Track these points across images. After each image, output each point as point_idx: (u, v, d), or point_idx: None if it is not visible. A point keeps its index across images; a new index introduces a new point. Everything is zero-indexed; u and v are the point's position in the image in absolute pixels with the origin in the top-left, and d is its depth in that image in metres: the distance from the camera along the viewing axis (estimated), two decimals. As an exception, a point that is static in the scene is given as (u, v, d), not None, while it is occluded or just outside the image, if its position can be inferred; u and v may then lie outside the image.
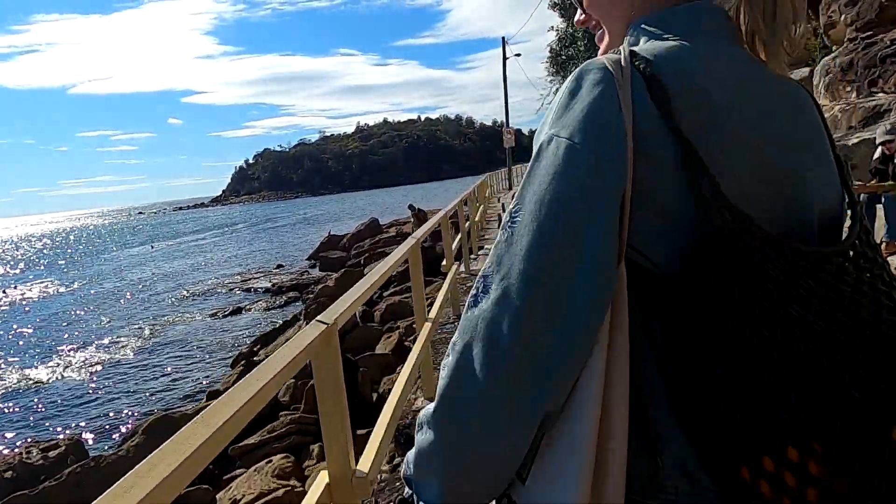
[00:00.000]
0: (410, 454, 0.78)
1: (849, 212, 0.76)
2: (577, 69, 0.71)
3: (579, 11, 0.90)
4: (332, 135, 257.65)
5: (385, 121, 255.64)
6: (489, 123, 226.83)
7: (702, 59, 0.70)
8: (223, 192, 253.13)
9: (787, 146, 0.72)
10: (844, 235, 0.73)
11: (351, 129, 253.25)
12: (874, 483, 0.60)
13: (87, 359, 17.25)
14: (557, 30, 30.30)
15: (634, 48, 0.72)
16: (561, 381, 0.67)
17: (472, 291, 0.69)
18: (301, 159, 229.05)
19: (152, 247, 57.93)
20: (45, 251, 79.42)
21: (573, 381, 0.67)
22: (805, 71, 11.79)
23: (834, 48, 11.29)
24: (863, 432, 0.61)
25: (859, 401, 0.61)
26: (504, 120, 37.07)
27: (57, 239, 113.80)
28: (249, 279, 29.27)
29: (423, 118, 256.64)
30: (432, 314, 4.97)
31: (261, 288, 26.21)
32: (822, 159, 0.77)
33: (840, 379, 0.62)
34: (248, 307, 22.17)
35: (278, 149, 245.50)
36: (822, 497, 0.60)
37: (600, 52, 0.85)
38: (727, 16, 0.76)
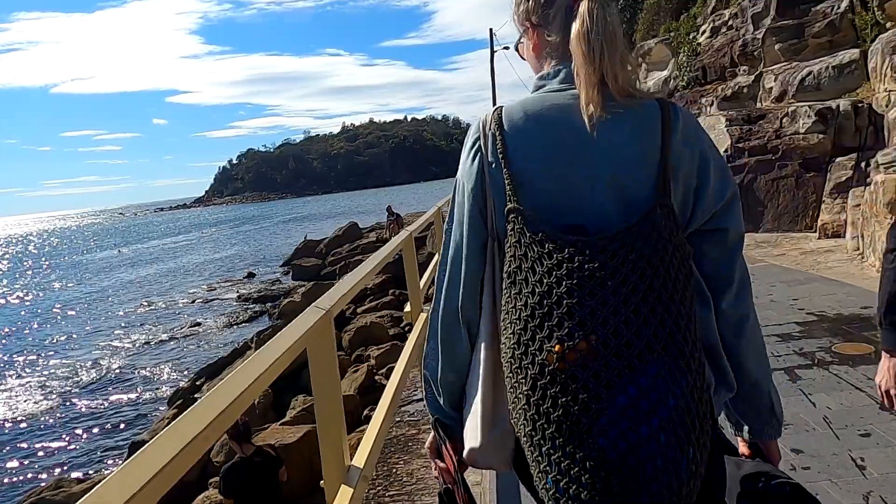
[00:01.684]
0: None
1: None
2: (471, 125, 1.19)
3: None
4: (317, 135, 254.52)
5: (371, 121, 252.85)
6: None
7: (537, 108, 1.11)
8: (206, 193, 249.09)
9: (583, 163, 1.06)
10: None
11: (337, 130, 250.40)
12: None
13: None
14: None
15: (503, 106, 1.15)
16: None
17: None
18: (285, 160, 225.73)
19: (119, 251, 55.25)
20: (10, 255, 76.17)
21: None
22: (853, 53, 9.85)
23: (889, 25, 9.37)
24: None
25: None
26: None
27: (29, 242, 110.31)
28: (216, 289, 27.00)
29: (409, 118, 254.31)
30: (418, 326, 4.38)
31: (226, 299, 23.97)
32: (632, 167, 1.06)
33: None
34: (207, 323, 19.89)
35: (262, 149, 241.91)
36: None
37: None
38: (571, 73, 1.11)
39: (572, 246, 0.97)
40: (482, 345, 1.12)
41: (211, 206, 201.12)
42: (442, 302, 1.15)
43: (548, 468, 0.95)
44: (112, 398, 13.38)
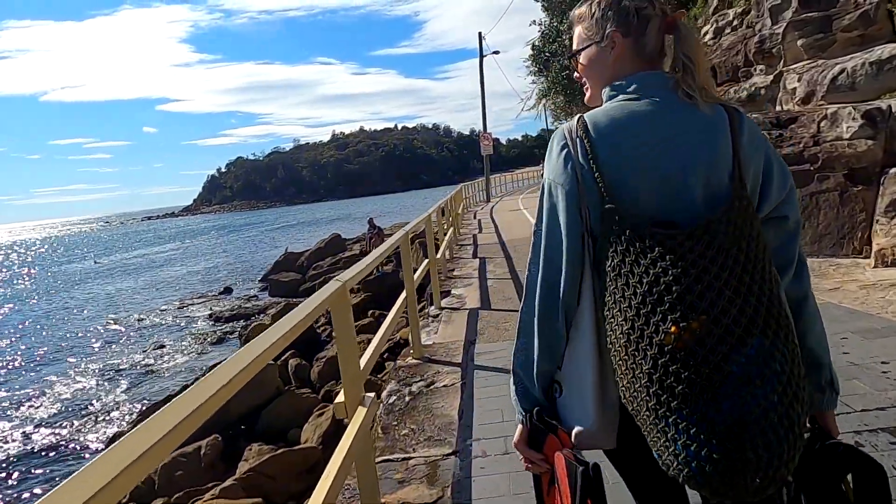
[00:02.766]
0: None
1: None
2: (555, 132, 1.29)
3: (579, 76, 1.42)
4: (307, 143, 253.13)
5: (361, 129, 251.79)
6: (467, 133, 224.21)
7: (621, 114, 1.22)
8: (194, 201, 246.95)
9: (675, 163, 1.18)
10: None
11: (328, 138, 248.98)
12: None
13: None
14: (541, 24, 27.03)
15: (585, 115, 1.24)
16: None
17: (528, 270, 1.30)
18: (275, 168, 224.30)
19: (95, 262, 53.40)
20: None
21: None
22: (893, 47, 8.53)
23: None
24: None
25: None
26: (481, 127, 33.68)
27: (12, 251, 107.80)
28: (189, 305, 25.43)
29: (400, 127, 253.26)
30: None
31: (197, 317, 22.42)
32: (712, 165, 1.19)
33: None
34: (171, 346, 18.33)
35: (252, 157, 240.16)
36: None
37: (586, 99, 1.41)
38: (664, 77, 1.26)
39: (671, 238, 1.10)
40: (587, 332, 1.23)
41: (199, 215, 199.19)
42: (539, 296, 1.26)
43: (676, 436, 1.04)
44: (41, 437, 11.82)
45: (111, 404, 13.37)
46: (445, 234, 11.55)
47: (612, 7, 1.30)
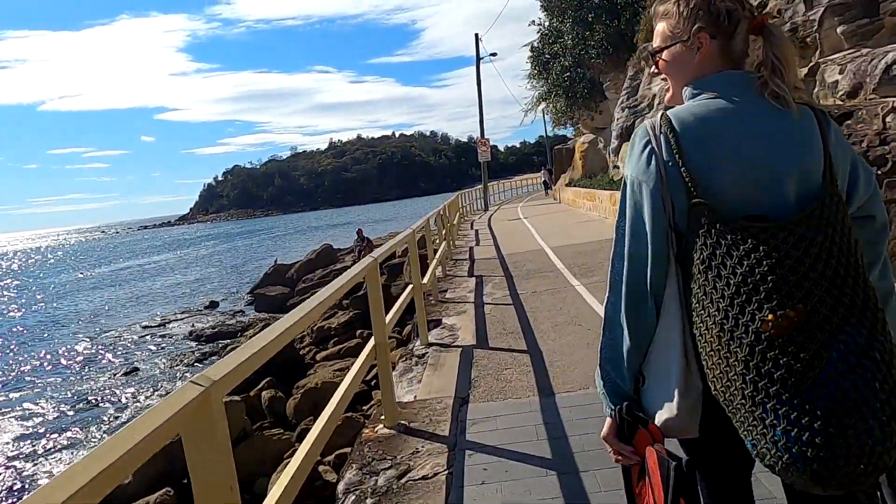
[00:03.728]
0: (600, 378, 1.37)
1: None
2: (636, 129, 1.31)
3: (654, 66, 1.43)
4: (304, 151, 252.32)
5: (359, 137, 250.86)
6: (465, 140, 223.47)
7: (707, 111, 1.24)
8: (191, 210, 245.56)
9: (769, 159, 1.20)
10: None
11: (325, 146, 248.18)
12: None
13: None
14: (540, 24, 25.83)
15: (668, 112, 1.26)
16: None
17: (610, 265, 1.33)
18: (271, 176, 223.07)
19: (81, 275, 51.94)
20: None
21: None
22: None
23: None
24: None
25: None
26: (479, 134, 32.44)
27: (3, 261, 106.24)
28: (170, 321, 24.08)
29: (397, 134, 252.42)
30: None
31: (177, 335, 21.07)
32: (804, 163, 1.21)
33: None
34: (143, 369, 16.98)
35: (248, 166, 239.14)
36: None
37: (666, 98, 1.42)
38: (748, 76, 1.27)
39: (764, 231, 1.12)
40: (673, 323, 1.25)
41: (195, 224, 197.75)
42: (626, 292, 1.28)
43: (775, 422, 1.04)
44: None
45: (61, 442, 12.02)
46: (438, 249, 10.26)
47: (702, 7, 1.30)
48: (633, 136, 1.29)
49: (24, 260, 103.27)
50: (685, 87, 1.32)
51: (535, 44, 26.70)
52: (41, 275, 60.48)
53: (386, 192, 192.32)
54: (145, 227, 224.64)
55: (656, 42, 1.38)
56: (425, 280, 6.53)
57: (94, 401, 14.58)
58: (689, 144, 1.20)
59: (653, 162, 1.22)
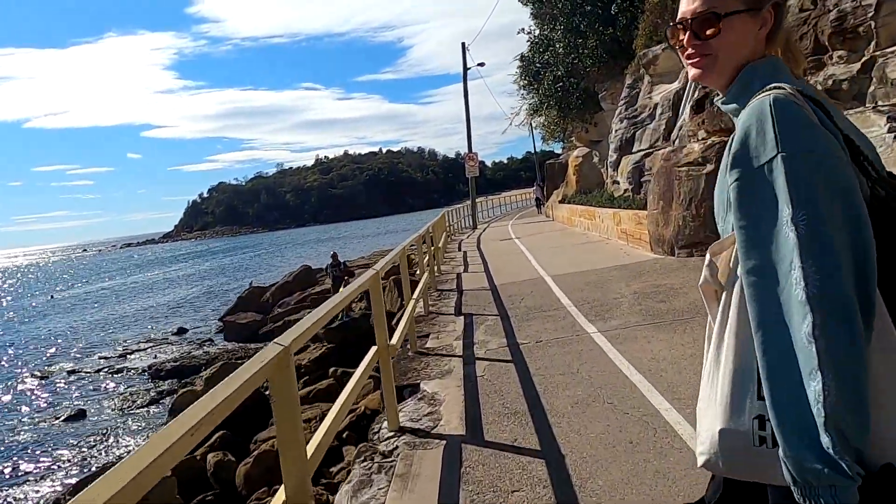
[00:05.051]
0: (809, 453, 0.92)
1: None
2: (765, 105, 1.04)
3: (688, 44, 1.22)
4: (291, 168, 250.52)
5: (346, 153, 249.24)
6: (452, 156, 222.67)
7: (807, 91, 1.08)
8: (175, 227, 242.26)
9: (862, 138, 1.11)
10: None
11: (311, 163, 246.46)
12: None
13: None
14: (529, 33, 24.37)
15: (785, 87, 1.06)
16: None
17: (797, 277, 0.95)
18: (257, 193, 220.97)
19: (52, 297, 49.64)
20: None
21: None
22: None
23: None
24: None
25: None
26: (466, 149, 30.88)
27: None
28: (133, 351, 22.13)
29: (384, 151, 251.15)
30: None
31: (134, 370, 19.15)
32: None
33: None
34: (91, 412, 15.08)
35: (234, 182, 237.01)
36: None
37: (694, 75, 1.24)
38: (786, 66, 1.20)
39: None
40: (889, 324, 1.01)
41: (179, 241, 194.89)
42: (847, 308, 0.94)
43: None
44: None
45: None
46: (419, 281, 8.56)
47: None
48: (768, 108, 1.04)
49: (1, 280, 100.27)
50: (750, 71, 1.18)
51: (525, 53, 25.26)
52: (9, 297, 57.95)
53: (374, 209, 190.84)
54: (129, 245, 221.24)
55: (715, 5, 1.17)
56: (394, 340, 4.85)
57: (21, 453, 12.66)
58: (837, 117, 1.08)
59: (822, 131, 1.02)
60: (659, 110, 16.93)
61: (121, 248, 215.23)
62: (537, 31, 24.07)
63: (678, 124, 15.19)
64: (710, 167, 9.56)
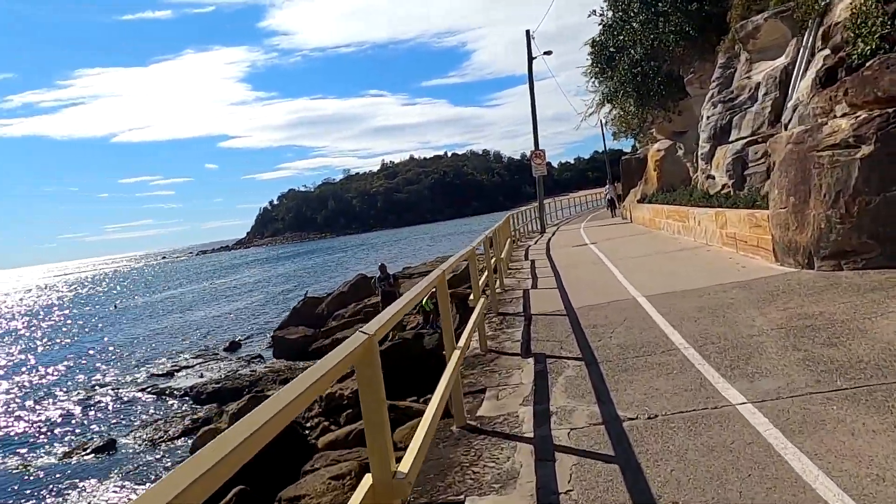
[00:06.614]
0: None
1: None
2: None
3: None
4: (357, 174, 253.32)
5: (411, 157, 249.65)
6: (517, 157, 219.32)
7: None
8: (247, 234, 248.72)
9: None
10: None
11: (377, 168, 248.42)
12: None
13: None
14: (601, 14, 21.88)
15: None
16: None
17: None
18: (325, 199, 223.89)
19: (115, 306, 50.17)
20: (29, 308, 72.06)
21: None
22: None
23: None
24: None
25: None
26: (531, 150, 28.53)
27: (67, 287, 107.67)
28: (181, 368, 20.98)
29: (449, 154, 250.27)
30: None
31: (179, 389, 17.87)
32: None
33: None
34: (125, 441, 13.79)
35: (303, 189, 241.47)
36: None
37: None
38: None
39: None
40: None
41: (251, 248, 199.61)
42: None
43: None
44: None
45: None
46: (475, 307, 6.47)
47: None
48: None
49: (78, 289, 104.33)
50: None
51: (597, 37, 22.79)
52: (75, 307, 59.33)
53: (438, 212, 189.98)
54: (204, 252, 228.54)
55: None
56: (431, 409, 2.86)
57: (37, 487, 11.35)
58: None
59: None
60: (762, 90, 14.26)
61: (196, 254, 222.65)
62: (610, 14, 21.61)
63: (790, 104, 12.56)
64: (866, 149, 7.04)
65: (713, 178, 15.44)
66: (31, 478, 12.21)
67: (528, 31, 26.00)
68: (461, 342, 4.74)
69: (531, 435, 3.97)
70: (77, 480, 11.67)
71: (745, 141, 14.00)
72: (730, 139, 14.70)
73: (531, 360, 5.83)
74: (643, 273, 9.88)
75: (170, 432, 13.66)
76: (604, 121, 28.21)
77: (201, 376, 19.04)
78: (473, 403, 4.80)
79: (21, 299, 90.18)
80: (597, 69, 22.60)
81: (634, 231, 18.78)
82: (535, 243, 20.44)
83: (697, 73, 17.96)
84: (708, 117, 16.05)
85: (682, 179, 20.17)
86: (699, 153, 17.00)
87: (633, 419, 3.94)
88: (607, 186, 32.53)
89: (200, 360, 21.81)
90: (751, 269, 8.58)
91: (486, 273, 8.61)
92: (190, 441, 12.51)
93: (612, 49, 21.39)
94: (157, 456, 12.40)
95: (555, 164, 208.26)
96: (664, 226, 16.51)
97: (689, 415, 3.86)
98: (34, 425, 16.23)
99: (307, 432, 11.16)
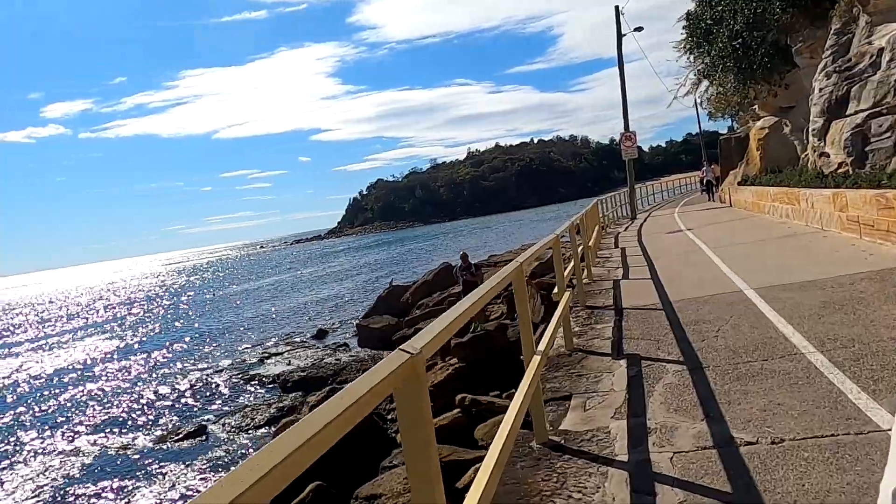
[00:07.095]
0: None
1: None
2: None
3: None
4: (443, 162, 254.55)
5: (497, 145, 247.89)
6: (605, 142, 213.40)
7: None
8: (338, 223, 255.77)
9: None
10: None
11: (463, 156, 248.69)
12: None
13: None
14: (697, -15, 20.40)
15: None
16: None
17: None
18: (412, 188, 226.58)
19: (214, 295, 52.52)
20: (139, 294, 76.97)
21: None
22: None
23: None
24: None
25: None
26: (621, 133, 27.19)
27: (171, 276, 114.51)
28: (271, 356, 21.50)
29: (535, 141, 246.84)
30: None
31: (268, 376, 18.26)
32: None
33: None
34: (214, 428, 14.15)
35: (391, 179, 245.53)
36: None
37: None
38: None
39: None
40: None
41: (342, 237, 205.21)
42: None
43: None
44: None
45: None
46: (560, 303, 5.86)
47: None
48: None
49: (186, 276, 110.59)
50: None
51: (692, 10, 21.30)
52: (198, 291, 62.61)
53: (524, 199, 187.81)
54: (298, 241, 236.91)
55: None
56: (506, 427, 2.38)
57: (132, 472, 11.74)
58: None
59: None
60: (886, 56, 12.73)
61: (291, 244, 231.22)
62: (707, -16, 20.10)
63: (922, 70, 11.08)
64: None
65: (827, 155, 13.96)
66: (128, 461, 12.67)
67: (616, 7, 24.71)
68: (542, 346, 4.16)
69: (625, 458, 3.36)
70: (168, 463, 12.00)
71: (866, 113, 12.54)
72: (847, 112, 13.21)
73: (623, 361, 5.17)
74: (749, 262, 8.89)
75: (256, 420, 13.85)
76: (699, 100, 26.50)
77: (289, 364, 19.36)
78: (557, 413, 4.24)
79: (138, 285, 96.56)
80: (692, 44, 21.12)
81: (735, 216, 17.41)
82: (626, 230, 19.38)
83: (808, 42, 16.34)
84: (821, 89, 14.55)
85: (789, 159, 18.52)
86: (810, 129, 15.45)
87: (752, 443, 3.25)
88: (704, 168, 30.61)
89: (289, 348, 22.25)
90: (880, 258, 7.47)
91: (572, 263, 7.95)
92: (273, 429, 12.61)
93: (709, 21, 19.90)
94: (243, 442, 12.57)
95: (645, 149, 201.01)
96: (769, 209, 15.13)
97: (826, 442, 3.13)
98: (136, 409, 16.98)
99: (386, 425, 10.91)
